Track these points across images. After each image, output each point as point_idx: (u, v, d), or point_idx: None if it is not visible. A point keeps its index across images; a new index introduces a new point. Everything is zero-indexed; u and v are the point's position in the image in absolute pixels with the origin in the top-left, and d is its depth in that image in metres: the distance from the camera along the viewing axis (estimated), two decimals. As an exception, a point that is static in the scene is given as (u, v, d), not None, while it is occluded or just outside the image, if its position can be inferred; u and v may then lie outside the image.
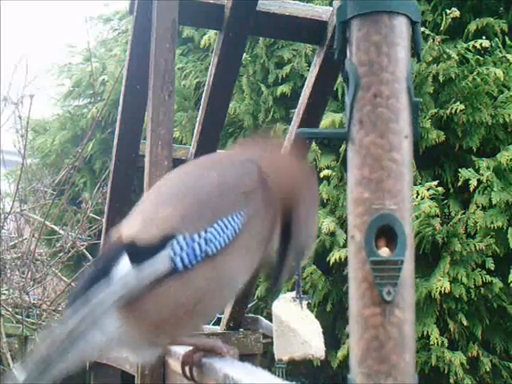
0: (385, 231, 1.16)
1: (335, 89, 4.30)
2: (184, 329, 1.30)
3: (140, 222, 1.30)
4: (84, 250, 4.97)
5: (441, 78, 4.45)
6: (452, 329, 4.22)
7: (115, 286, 1.22)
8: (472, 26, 4.60)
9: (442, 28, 4.53)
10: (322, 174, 4.49)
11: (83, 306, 1.21)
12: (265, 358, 3.56)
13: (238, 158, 1.38)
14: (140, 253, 1.24)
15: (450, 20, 4.48)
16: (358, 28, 1.22)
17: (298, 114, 2.69)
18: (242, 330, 3.19)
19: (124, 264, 1.23)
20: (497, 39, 4.55)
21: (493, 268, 4.20)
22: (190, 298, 1.26)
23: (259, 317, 3.37)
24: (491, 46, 4.50)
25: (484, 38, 4.49)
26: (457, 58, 4.43)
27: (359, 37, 1.22)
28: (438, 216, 4.22)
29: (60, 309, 4.93)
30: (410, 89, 1.22)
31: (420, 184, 4.36)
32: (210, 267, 1.27)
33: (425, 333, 4.19)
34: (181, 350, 1.41)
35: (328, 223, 4.37)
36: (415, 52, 1.26)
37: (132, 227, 1.30)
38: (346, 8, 1.24)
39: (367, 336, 1.14)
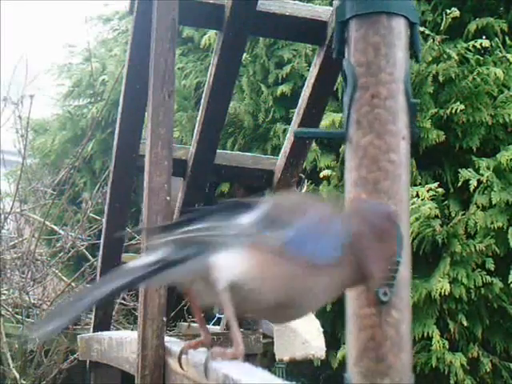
0: None
1: (335, 89, 4.29)
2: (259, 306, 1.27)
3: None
4: (84, 250, 4.97)
5: (441, 78, 4.44)
6: (452, 329, 4.22)
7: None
8: (472, 26, 4.59)
9: (441, 28, 4.53)
10: (321, 174, 4.49)
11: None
12: (265, 358, 3.56)
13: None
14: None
15: (450, 20, 4.48)
16: (356, 28, 1.22)
17: (297, 113, 2.69)
18: (242, 329, 3.19)
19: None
20: (497, 39, 4.55)
21: (493, 268, 4.20)
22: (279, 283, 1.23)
23: (259, 317, 3.36)
24: (491, 45, 4.50)
25: (484, 37, 4.48)
26: (457, 57, 4.43)
27: (357, 37, 1.22)
28: (438, 217, 4.22)
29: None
30: (407, 90, 1.21)
31: (420, 184, 4.35)
32: (306, 268, 1.24)
33: (425, 334, 4.18)
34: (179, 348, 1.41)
35: (328, 223, 4.36)
36: (414, 53, 1.26)
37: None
38: (344, 8, 1.23)
39: (364, 336, 1.13)
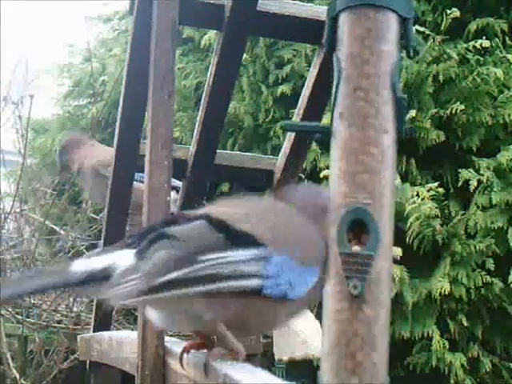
0: (359, 226, 1.14)
1: (335, 89, 4.30)
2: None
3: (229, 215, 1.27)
4: (84, 250, 4.97)
5: (441, 78, 4.44)
6: (452, 329, 4.22)
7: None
8: (472, 26, 4.60)
9: (442, 28, 4.53)
10: (321, 174, 4.49)
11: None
12: (265, 358, 3.56)
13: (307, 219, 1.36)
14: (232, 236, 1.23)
15: (450, 20, 4.48)
16: (345, 22, 1.22)
17: (297, 114, 2.69)
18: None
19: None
20: (497, 39, 4.55)
21: (493, 268, 4.20)
22: (249, 315, 1.26)
23: (259, 317, 3.36)
24: (491, 46, 4.50)
25: (484, 38, 4.48)
26: (457, 58, 4.43)
27: (344, 30, 1.22)
28: (438, 217, 4.22)
29: (60, 309, 4.93)
30: (394, 84, 1.20)
31: (420, 184, 4.36)
32: (279, 306, 1.27)
33: (425, 334, 4.18)
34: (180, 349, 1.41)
35: (328, 223, 4.36)
36: (406, 48, 1.24)
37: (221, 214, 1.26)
38: (335, 4, 1.23)
39: (335, 331, 1.12)
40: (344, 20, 1.21)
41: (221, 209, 1.33)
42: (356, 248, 1.14)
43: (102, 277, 1.18)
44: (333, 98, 1.20)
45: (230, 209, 1.33)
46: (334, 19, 1.24)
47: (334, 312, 1.13)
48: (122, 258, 1.20)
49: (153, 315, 1.32)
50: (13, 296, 1.21)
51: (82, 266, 1.20)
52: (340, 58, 1.19)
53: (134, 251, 1.21)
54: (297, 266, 1.26)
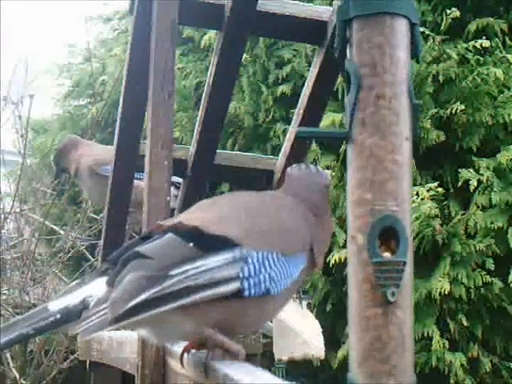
0: (385, 233, 1.16)
1: (335, 89, 4.30)
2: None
3: (202, 220, 1.28)
4: (84, 250, 4.97)
5: (441, 78, 4.44)
6: (452, 329, 4.22)
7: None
8: (472, 26, 4.60)
9: (442, 28, 4.53)
10: (321, 174, 4.48)
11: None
12: (265, 358, 3.56)
13: (293, 204, 1.39)
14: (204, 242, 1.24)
15: (450, 20, 4.48)
16: (360, 28, 1.22)
17: (297, 113, 2.69)
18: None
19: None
20: (497, 39, 4.55)
21: (493, 268, 4.20)
22: (234, 319, 1.27)
23: (259, 317, 3.35)
24: (491, 46, 4.50)
25: (484, 38, 4.48)
26: (457, 58, 4.43)
27: (361, 37, 1.22)
28: (438, 217, 4.22)
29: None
30: (410, 91, 1.22)
31: (420, 184, 4.35)
32: (264, 303, 1.28)
33: (425, 333, 4.18)
34: (181, 349, 1.41)
35: (328, 223, 4.36)
36: (415, 54, 1.26)
37: (192, 220, 1.27)
38: (347, 8, 1.23)
39: (369, 337, 1.13)
40: (360, 26, 1.22)
41: (197, 213, 1.34)
42: (387, 255, 1.16)
43: (81, 310, 1.18)
44: (351, 104, 1.21)
45: (207, 211, 1.33)
46: (345, 22, 1.24)
47: (367, 319, 1.15)
48: (96, 288, 1.21)
49: (143, 332, 1.34)
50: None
51: (58, 304, 1.20)
52: (358, 66, 1.20)
53: (106, 279, 1.22)
54: (279, 259, 1.28)
